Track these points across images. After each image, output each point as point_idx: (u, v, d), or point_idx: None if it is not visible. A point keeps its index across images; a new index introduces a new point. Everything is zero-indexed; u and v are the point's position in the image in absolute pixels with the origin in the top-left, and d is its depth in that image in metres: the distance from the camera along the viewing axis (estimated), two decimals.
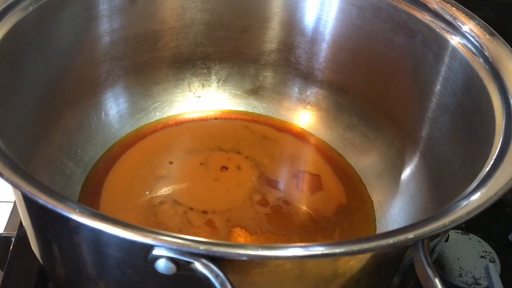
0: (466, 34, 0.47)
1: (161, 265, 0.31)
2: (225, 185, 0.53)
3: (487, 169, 0.37)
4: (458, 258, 0.51)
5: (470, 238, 0.52)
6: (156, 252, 0.30)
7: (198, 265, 0.30)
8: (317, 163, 0.57)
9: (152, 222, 0.49)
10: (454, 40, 0.48)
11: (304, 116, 0.60)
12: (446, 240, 0.50)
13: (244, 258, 0.31)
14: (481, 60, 0.45)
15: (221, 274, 0.30)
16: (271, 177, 0.55)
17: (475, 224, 0.53)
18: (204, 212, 0.51)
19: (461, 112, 0.47)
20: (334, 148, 0.58)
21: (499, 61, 0.44)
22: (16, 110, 0.45)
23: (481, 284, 0.49)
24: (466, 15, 0.48)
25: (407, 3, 0.51)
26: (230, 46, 0.59)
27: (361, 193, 0.54)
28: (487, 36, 0.46)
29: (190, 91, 0.60)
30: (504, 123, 0.40)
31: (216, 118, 0.60)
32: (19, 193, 0.38)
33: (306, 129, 0.59)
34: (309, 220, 0.51)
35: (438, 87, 0.49)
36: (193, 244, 0.30)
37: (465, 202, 0.34)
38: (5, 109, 0.43)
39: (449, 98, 0.48)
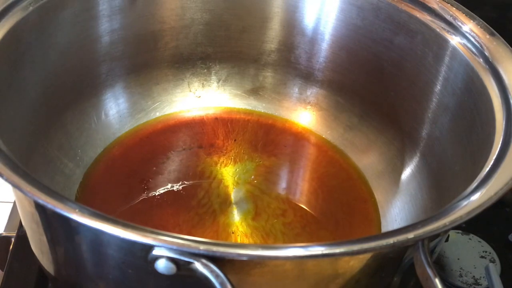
0: (466, 34, 0.47)
1: (161, 265, 0.31)
2: (224, 184, 0.53)
3: (487, 169, 0.37)
4: (458, 258, 0.51)
5: (470, 238, 0.52)
6: (156, 252, 0.30)
7: (198, 265, 0.30)
8: (317, 163, 0.57)
9: (151, 222, 0.49)
10: (454, 40, 0.48)
11: (304, 116, 0.60)
12: (446, 240, 0.50)
13: (244, 258, 0.31)
14: (481, 60, 0.45)
15: (221, 274, 0.30)
16: (271, 177, 0.55)
17: (475, 224, 0.53)
18: (203, 206, 0.51)
19: (461, 112, 0.47)
20: (334, 147, 0.58)
21: (499, 61, 0.44)
22: (16, 110, 0.45)
23: (481, 284, 0.49)
24: (466, 15, 0.48)
25: (407, 3, 0.51)
26: (230, 46, 0.59)
27: (362, 192, 0.54)
28: (487, 36, 0.46)
29: (190, 91, 0.60)
30: (504, 123, 0.40)
31: (216, 118, 0.60)
32: (19, 193, 0.38)
33: (306, 128, 0.59)
34: (309, 220, 0.51)
35: (438, 87, 0.49)
36: (193, 244, 0.30)
37: (465, 202, 0.35)
38: (5, 108, 0.43)
39: (449, 98, 0.48)
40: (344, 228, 0.51)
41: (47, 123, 0.50)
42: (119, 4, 0.53)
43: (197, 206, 0.51)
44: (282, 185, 0.55)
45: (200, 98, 0.61)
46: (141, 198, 0.51)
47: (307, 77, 0.59)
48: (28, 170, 0.34)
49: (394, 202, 0.52)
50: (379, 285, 0.38)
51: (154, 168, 0.54)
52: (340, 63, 0.57)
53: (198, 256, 0.30)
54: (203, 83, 0.61)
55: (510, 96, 0.42)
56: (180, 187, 0.53)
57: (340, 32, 0.56)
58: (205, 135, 0.58)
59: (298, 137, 0.59)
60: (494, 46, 0.46)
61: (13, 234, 0.50)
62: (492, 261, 0.51)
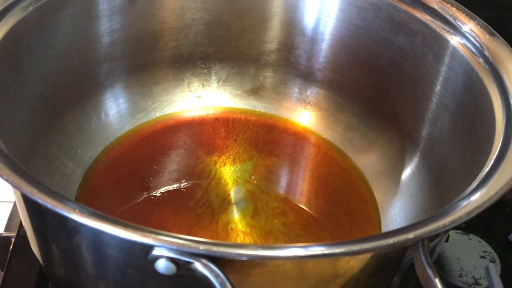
0: (466, 34, 0.47)
1: (161, 265, 0.31)
2: (224, 183, 0.53)
3: (487, 169, 0.37)
4: (458, 258, 0.51)
5: (470, 238, 0.52)
6: (156, 252, 0.30)
7: (198, 265, 0.30)
8: (317, 163, 0.57)
9: (151, 222, 0.49)
10: (454, 40, 0.48)
11: (304, 116, 0.60)
12: (446, 240, 0.50)
13: (244, 258, 0.31)
14: (481, 60, 0.45)
15: (221, 274, 0.30)
16: (271, 176, 0.55)
17: (475, 224, 0.53)
18: (202, 205, 0.51)
19: (461, 112, 0.47)
20: (334, 147, 0.58)
21: (499, 61, 0.44)
22: (16, 110, 0.45)
23: (481, 284, 0.49)
24: (466, 15, 0.48)
25: (407, 3, 0.51)
26: (230, 46, 0.59)
27: (362, 192, 0.54)
28: (487, 36, 0.46)
29: (190, 91, 0.60)
30: (504, 123, 0.40)
31: (216, 118, 0.60)
32: (19, 193, 0.38)
33: (306, 128, 0.59)
34: (309, 220, 0.51)
35: (438, 87, 0.49)
36: (193, 244, 0.30)
37: (465, 202, 0.35)
38: (5, 109, 0.43)
39: (449, 98, 0.48)
40: (344, 228, 0.51)
41: (47, 123, 0.50)
42: (119, 4, 0.53)
43: (196, 206, 0.51)
44: (282, 184, 0.55)
45: (200, 98, 0.61)
46: (141, 198, 0.51)
47: (307, 77, 0.59)
48: (28, 170, 0.34)
49: (394, 202, 0.52)
50: (379, 285, 0.38)
51: (154, 167, 0.54)
52: (340, 63, 0.57)
53: (198, 256, 0.30)
54: (203, 83, 0.61)
55: (510, 96, 0.42)
56: (180, 186, 0.53)
57: (340, 32, 0.56)
58: (205, 135, 0.58)
59: (298, 137, 0.59)
60: (494, 46, 0.46)
61: (13, 234, 0.50)
62: (492, 261, 0.51)
